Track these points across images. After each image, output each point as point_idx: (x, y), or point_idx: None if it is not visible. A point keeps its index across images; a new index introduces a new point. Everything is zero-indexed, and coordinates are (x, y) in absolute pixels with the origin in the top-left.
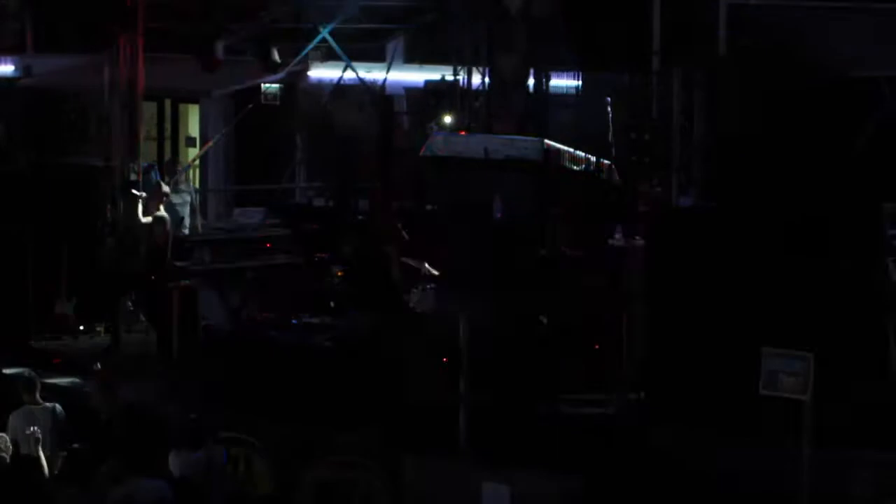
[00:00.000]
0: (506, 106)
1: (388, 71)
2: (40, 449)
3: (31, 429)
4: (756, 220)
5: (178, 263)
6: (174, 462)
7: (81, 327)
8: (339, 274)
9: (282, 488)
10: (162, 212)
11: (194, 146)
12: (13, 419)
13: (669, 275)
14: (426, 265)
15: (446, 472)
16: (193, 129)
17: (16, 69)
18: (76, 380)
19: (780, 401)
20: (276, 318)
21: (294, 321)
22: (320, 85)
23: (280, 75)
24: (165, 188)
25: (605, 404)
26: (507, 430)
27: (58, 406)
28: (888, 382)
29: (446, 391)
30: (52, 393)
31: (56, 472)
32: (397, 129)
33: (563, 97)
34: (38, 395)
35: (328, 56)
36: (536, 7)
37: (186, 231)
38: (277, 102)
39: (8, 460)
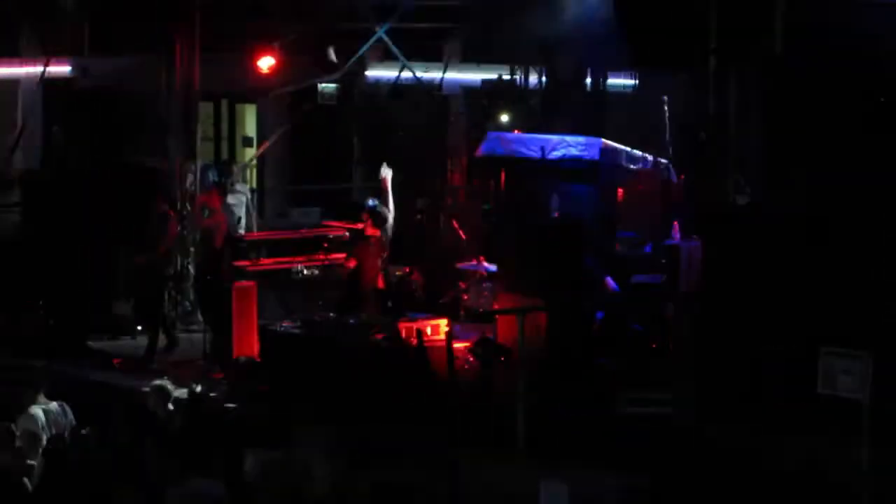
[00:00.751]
0: (562, 105)
1: (444, 70)
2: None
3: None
4: (812, 218)
5: (235, 263)
6: (252, 462)
7: (139, 327)
8: (397, 273)
9: (339, 489)
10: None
11: (251, 146)
12: (25, 421)
13: (726, 273)
14: (484, 262)
15: (504, 471)
16: (250, 129)
17: (72, 70)
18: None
19: (838, 400)
20: (333, 317)
21: (352, 321)
22: (377, 84)
23: (337, 75)
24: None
25: (663, 403)
26: (564, 429)
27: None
28: None
29: (504, 390)
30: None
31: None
32: (454, 128)
33: (619, 96)
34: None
35: (385, 56)
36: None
37: (243, 231)
38: (334, 102)
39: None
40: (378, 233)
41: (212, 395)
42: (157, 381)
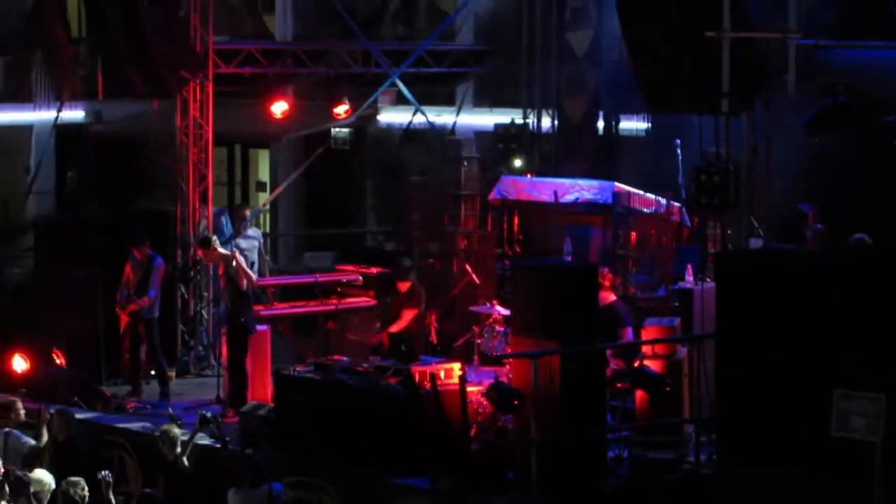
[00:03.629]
0: (575, 148)
1: (457, 114)
2: (111, 493)
3: (104, 472)
4: (824, 260)
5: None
6: (234, 499)
7: (153, 372)
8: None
9: None
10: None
11: (264, 191)
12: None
13: (739, 316)
14: (497, 306)
15: None
16: (263, 173)
17: (86, 115)
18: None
19: (852, 442)
20: (346, 361)
21: (365, 364)
22: (390, 129)
23: (350, 119)
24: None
25: (676, 446)
26: (578, 473)
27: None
28: None
29: (518, 433)
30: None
31: None
32: (467, 172)
33: (632, 139)
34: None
35: (398, 100)
36: (604, 49)
37: (255, 275)
38: (347, 147)
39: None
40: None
41: (227, 439)
42: (165, 426)
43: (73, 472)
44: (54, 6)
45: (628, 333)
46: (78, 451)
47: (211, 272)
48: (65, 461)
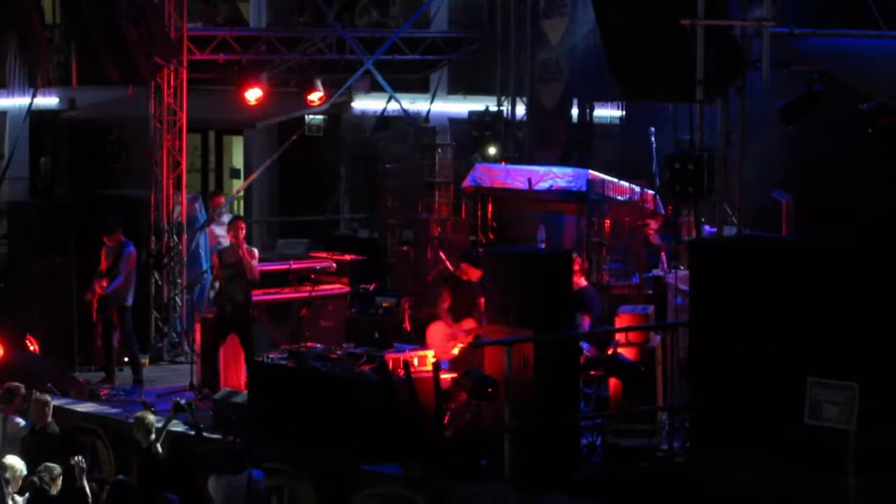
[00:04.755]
0: (549, 136)
1: (431, 102)
2: (84, 479)
3: (77, 458)
4: (800, 248)
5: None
6: (215, 486)
7: (126, 359)
8: (384, 305)
9: None
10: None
11: (238, 177)
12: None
13: (713, 304)
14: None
15: (491, 502)
16: (237, 160)
17: (60, 101)
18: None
19: (825, 429)
20: (319, 348)
21: (338, 352)
22: (364, 116)
23: (324, 106)
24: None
25: (649, 434)
26: (552, 460)
27: None
28: None
29: (491, 420)
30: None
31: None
32: (441, 160)
33: (606, 127)
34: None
35: (372, 87)
36: (578, 36)
37: None
38: (321, 134)
39: (53, 492)
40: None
41: (201, 426)
42: (139, 413)
43: (48, 459)
44: None
45: (585, 323)
46: (54, 438)
47: (185, 259)
48: (41, 448)
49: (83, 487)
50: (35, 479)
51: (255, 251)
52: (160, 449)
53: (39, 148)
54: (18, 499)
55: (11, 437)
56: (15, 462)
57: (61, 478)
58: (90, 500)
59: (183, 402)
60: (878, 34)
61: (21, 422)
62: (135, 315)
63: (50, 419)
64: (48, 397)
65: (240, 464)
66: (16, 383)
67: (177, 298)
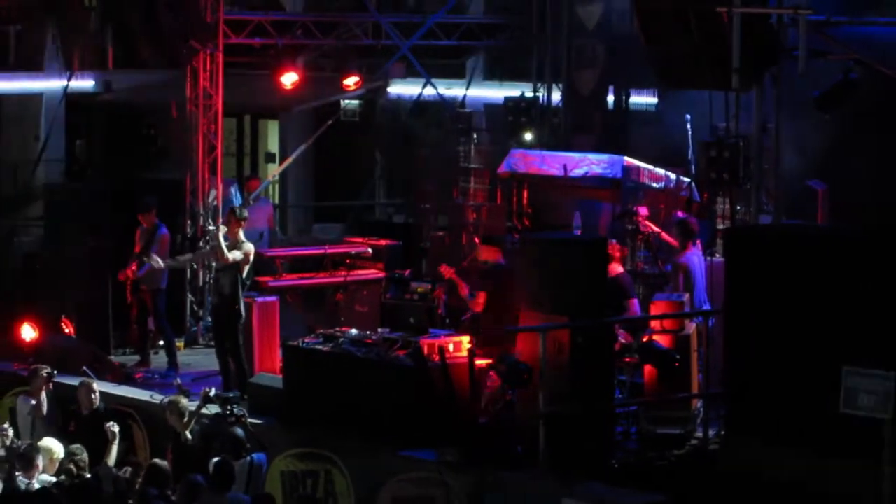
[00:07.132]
0: (585, 122)
1: (467, 87)
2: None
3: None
4: (836, 236)
5: (257, 278)
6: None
7: (161, 342)
8: (419, 290)
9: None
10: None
11: (274, 162)
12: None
13: (748, 292)
14: None
15: (525, 489)
16: (273, 144)
17: (96, 85)
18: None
19: (860, 419)
20: (354, 333)
21: (373, 336)
22: (400, 101)
23: (360, 91)
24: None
25: (684, 421)
26: (586, 447)
27: None
28: None
29: (526, 407)
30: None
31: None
32: (476, 146)
33: (642, 114)
34: None
35: (408, 72)
36: (615, 23)
37: (265, 246)
38: (357, 119)
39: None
40: None
41: (234, 410)
42: (173, 397)
43: (97, 444)
44: None
45: (634, 305)
46: (102, 423)
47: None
48: (92, 431)
49: (108, 459)
50: (71, 465)
51: (250, 246)
52: (189, 435)
53: (75, 131)
54: (46, 478)
55: (22, 417)
56: (52, 445)
57: (86, 459)
58: (102, 487)
59: (212, 393)
60: None
61: (31, 402)
62: (169, 298)
63: (98, 403)
64: (93, 382)
65: (240, 448)
66: (41, 366)
67: (211, 282)
